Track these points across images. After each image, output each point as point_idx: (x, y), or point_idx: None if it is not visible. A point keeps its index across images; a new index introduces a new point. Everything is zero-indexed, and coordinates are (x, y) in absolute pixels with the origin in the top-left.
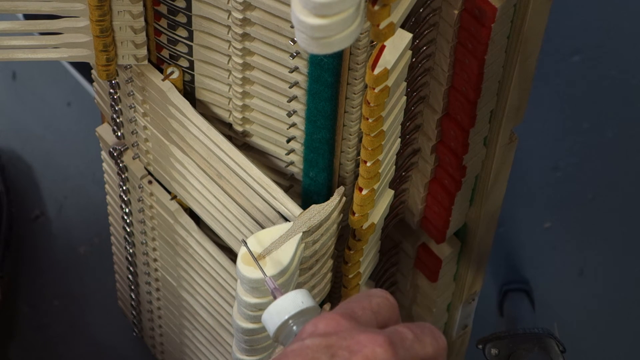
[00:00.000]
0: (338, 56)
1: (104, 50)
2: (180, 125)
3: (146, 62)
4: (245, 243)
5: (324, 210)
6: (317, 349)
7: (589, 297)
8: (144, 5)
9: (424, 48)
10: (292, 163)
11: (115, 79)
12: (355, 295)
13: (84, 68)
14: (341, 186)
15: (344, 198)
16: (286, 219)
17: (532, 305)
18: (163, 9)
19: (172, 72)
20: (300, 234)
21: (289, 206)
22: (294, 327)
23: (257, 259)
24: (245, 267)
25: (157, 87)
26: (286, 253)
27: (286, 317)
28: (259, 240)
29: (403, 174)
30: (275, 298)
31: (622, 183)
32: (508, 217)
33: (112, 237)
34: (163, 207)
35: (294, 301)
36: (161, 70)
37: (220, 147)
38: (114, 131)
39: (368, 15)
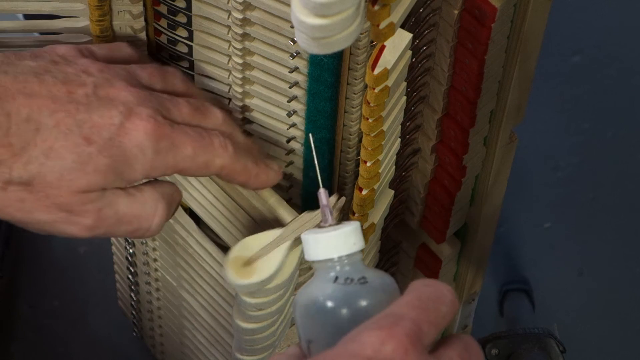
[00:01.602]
0: (338, 56)
1: None
2: None
3: None
4: (324, 190)
5: (314, 219)
6: None
7: (589, 297)
8: (144, 5)
9: (424, 48)
10: (292, 163)
11: None
12: (430, 293)
13: None
14: (334, 194)
15: (344, 198)
16: (285, 219)
17: (532, 305)
18: (163, 9)
19: None
20: (290, 241)
21: (280, 212)
22: (338, 267)
23: (244, 264)
24: (235, 276)
25: None
26: (275, 259)
27: (335, 256)
28: (247, 246)
29: (403, 174)
30: (326, 221)
31: (622, 183)
32: (508, 217)
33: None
34: None
35: (346, 241)
36: None
37: None
38: None
39: (368, 15)
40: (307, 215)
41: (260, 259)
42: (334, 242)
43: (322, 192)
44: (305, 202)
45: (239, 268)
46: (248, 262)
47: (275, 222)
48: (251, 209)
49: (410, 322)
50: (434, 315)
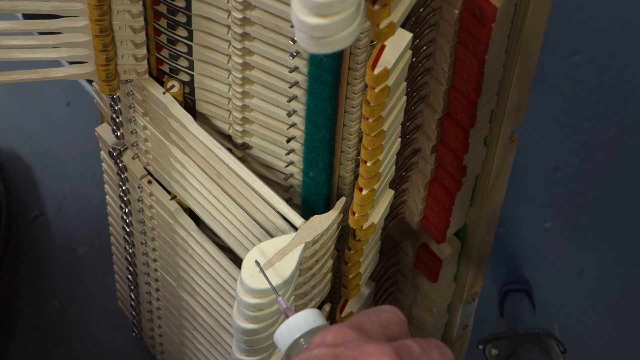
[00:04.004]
0: (338, 56)
1: (104, 49)
2: (180, 125)
3: (147, 75)
4: (259, 264)
5: (325, 221)
6: (325, 359)
7: (589, 297)
8: (144, 5)
9: (424, 48)
10: (292, 163)
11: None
12: (365, 310)
13: None
14: (342, 197)
15: (345, 199)
16: (286, 219)
17: (532, 305)
18: (163, 8)
19: (172, 86)
20: (303, 244)
21: (290, 216)
22: (305, 346)
23: (258, 270)
24: (250, 279)
25: (159, 91)
26: (289, 264)
27: (298, 335)
28: (262, 252)
29: (403, 173)
30: (287, 317)
31: (622, 183)
32: (508, 217)
33: (112, 237)
34: (163, 207)
35: (306, 320)
36: (163, 74)
37: (220, 157)
38: (114, 131)
39: (368, 15)
40: (317, 219)
41: (274, 265)
42: (294, 324)
43: (281, 300)
44: (305, 202)
45: (255, 273)
46: (263, 267)
47: (275, 221)
48: (251, 210)
49: (349, 321)
50: (375, 317)
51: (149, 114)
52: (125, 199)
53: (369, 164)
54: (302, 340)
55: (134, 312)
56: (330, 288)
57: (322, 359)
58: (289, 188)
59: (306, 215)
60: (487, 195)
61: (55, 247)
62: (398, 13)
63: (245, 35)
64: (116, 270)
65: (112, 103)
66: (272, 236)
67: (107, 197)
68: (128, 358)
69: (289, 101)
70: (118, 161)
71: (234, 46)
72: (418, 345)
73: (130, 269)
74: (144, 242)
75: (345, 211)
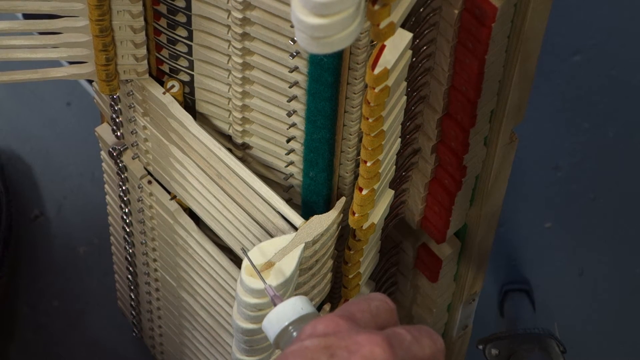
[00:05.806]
0: (338, 56)
1: (104, 49)
2: (180, 125)
3: (147, 75)
4: (246, 252)
5: (325, 221)
6: (316, 349)
7: (589, 297)
8: (144, 5)
9: (424, 48)
10: (292, 163)
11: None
12: (354, 298)
13: None
14: (342, 197)
15: (345, 199)
16: (286, 219)
17: (532, 305)
18: (163, 8)
19: (172, 86)
20: (303, 244)
21: (290, 216)
22: (294, 333)
23: (260, 270)
24: (249, 279)
25: (159, 91)
26: (289, 264)
27: (286, 323)
28: (262, 252)
29: (403, 173)
30: (275, 305)
31: (622, 183)
32: (508, 217)
33: (112, 237)
34: (163, 207)
35: (294, 307)
36: (163, 74)
37: (220, 157)
38: (114, 131)
39: (368, 15)
40: (317, 219)
41: (274, 265)
42: (282, 312)
43: (268, 288)
44: (305, 202)
45: (254, 273)
46: (262, 268)
47: (275, 221)
48: (251, 210)
49: (340, 310)
50: (365, 306)
51: (149, 114)
52: (125, 199)
53: (369, 164)
54: (291, 328)
55: (134, 312)
56: (330, 288)
57: (314, 349)
58: (289, 188)
59: (306, 215)
60: (487, 195)
61: (55, 247)
62: (398, 13)
63: (245, 35)
64: (116, 270)
65: (112, 103)
66: (272, 236)
67: (107, 197)
68: (128, 358)
69: (289, 101)
70: (118, 161)
71: (234, 46)
72: (409, 333)
73: (130, 269)
74: (144, 242)
75: (345, 211)
